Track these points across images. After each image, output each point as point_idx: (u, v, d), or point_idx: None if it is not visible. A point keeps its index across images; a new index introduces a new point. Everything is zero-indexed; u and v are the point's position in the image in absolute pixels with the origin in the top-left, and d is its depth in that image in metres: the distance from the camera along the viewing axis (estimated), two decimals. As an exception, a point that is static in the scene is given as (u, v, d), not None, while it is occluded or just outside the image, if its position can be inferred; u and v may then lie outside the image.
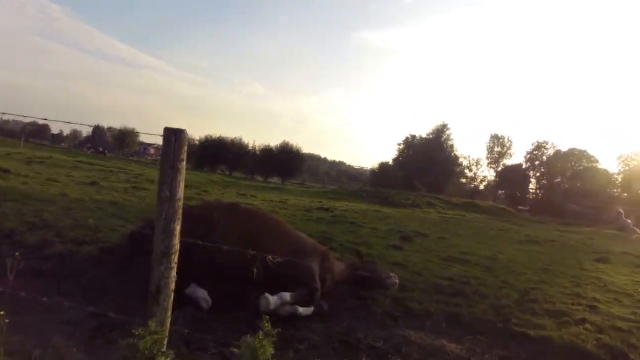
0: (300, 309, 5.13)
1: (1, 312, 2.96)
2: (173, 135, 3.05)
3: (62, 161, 26.14)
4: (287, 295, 5.06)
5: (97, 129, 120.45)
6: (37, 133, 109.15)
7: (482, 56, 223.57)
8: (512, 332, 5.45)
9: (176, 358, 2.94)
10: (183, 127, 3.00)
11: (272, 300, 4.89)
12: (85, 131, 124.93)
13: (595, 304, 7.13)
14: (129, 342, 2.70)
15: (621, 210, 28.55)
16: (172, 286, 3.15)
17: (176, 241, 3.11)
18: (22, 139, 50.77)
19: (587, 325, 5.88)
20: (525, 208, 57.82)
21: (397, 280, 6.55)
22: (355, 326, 5.05)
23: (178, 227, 3.13)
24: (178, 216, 3.11)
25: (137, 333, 2.69)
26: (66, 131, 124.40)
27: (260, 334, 2.86)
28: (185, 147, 3.13)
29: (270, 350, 2.87)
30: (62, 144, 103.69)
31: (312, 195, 31.32)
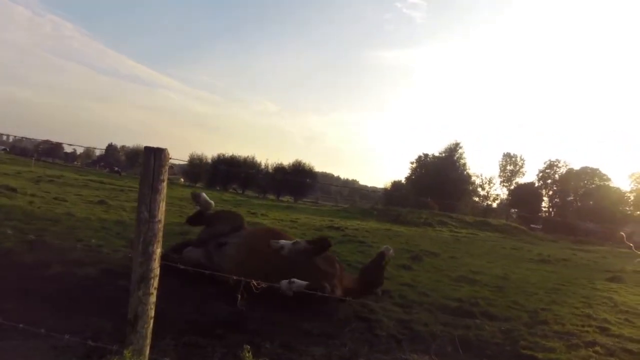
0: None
1: None
2: (152, 155, 2.94)
3: (73, 180, 26.31)
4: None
5: (109, 148, 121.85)
6: (50, 152, 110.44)
7: (497, 75, 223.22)
8: (520, 356, 5.24)
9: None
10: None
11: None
12: (99, 150, 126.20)
13: (606, 325, 6.91)
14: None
15: (623, 234, 28.37)
16: (152, 313, 3.00)
17: (155, 265, 2.97)
18: (34, 158, 51.14)
19: (597, 348, 5.67)
20: (538, 226, 57.32)
21: (391, 249, 7.17)
22: (358, 350, 4.86)
23: (158, 251, 3.00)
24: (158, 239, 2.98)
25: (111, 363, 2.56)
26: (79, 150, 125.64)
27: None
28: (167, 167, 3.01)
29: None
30: (75, 163, 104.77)
31: (323, 214, 31.23)
